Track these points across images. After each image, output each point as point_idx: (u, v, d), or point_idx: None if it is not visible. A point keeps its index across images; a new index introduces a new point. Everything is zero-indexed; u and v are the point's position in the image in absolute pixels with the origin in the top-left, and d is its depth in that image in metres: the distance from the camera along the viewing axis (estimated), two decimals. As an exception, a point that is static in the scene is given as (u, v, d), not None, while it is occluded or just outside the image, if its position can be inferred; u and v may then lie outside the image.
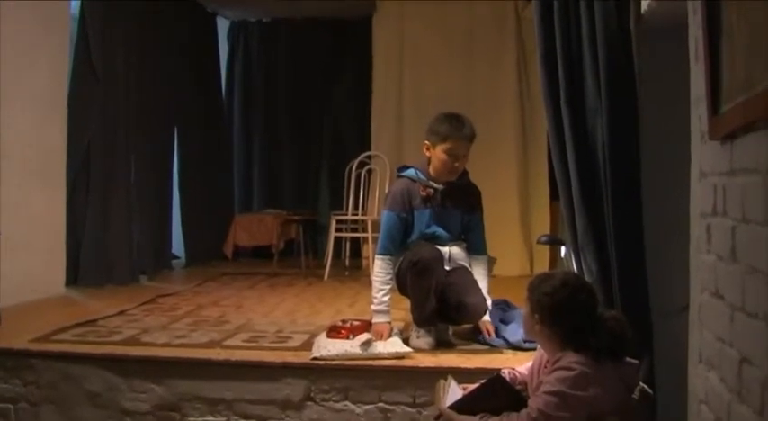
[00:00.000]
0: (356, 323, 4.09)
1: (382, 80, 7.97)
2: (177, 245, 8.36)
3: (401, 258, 4.03)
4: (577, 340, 2.47)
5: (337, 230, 7.31)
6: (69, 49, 6.25)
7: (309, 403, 3.72)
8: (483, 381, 2.70)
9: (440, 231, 4.10)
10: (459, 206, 4.15)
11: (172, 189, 8.13)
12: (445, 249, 4.07)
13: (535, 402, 2.42)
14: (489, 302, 4.11)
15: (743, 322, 1.82)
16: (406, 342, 3.93)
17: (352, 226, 7.61)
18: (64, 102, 6.15)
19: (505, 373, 2.84)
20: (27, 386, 3.92)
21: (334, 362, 3.72)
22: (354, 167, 7.53)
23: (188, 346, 4.08)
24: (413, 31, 7.83)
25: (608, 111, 3.27)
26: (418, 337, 3.99)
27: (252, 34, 9.70)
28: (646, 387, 2.60)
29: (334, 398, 3.71)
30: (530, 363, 2.81)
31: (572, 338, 2.49)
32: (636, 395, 2.51)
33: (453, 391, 2.76)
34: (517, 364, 2.98)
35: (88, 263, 6.38)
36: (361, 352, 3.74)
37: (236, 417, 3.77)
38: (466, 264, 4.14)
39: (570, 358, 2.44)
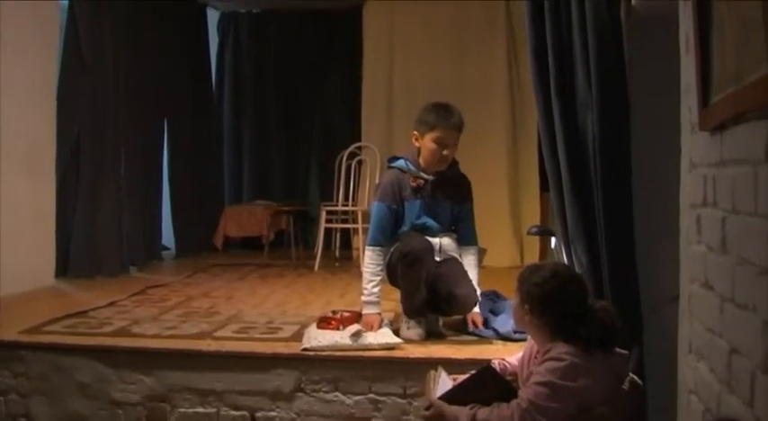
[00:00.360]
0: (346, 314, 4.09)
1: (372, 71, 7.96)
2: (167, 236, 8.36)
3: (392, 249, 4.03)
4: (567, 331, 2.48)
5: (327, 221, 7.30)
6: (58, 40, 6.22)
7: (300, 394, 3.72)
8: (473, 372, 2.70)
9: (430, 222, 4.10)
10: (449, 197, 4.15)
11: (162, 180, 8.11)
12: (436, 240, 4.07)
13: (525, 393, 2.43)
14: (479, 293, 4.11)
15: (732, 313, 1.82)
16: (396, 333, 3.93)
17: (343, 217, 7.62)
18: (53, 93, 6.13)
19: (496, 364, 2.84)
20: (17, 378, 3.92)
21: (324, 353, 3.72)
22: (345, 158, 7.52)
23: (178, 337, 4.08)
24: (403, 21, 7.82)
25: (598, 102, 3.27)
26: (408, 328, 3.99)
27: (242, 25, 9.67)
28: (635, 377, 2.61)
29: (324, 389, 3.71)
30: (520, 354, 2.81)
31: (562, 329, 2.49)
32: (626, 385, 2.52)
33: (444, 382, 2.76)
34: (507, 355, 2.98)
35: (78, 254, 6.37)
36: (351, 343, 3.74)
37: (226, 408, 3.77)
38: (456, 255, 4.14)
39: (560, 349, 2.44)
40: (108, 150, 6.65)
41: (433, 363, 3.17)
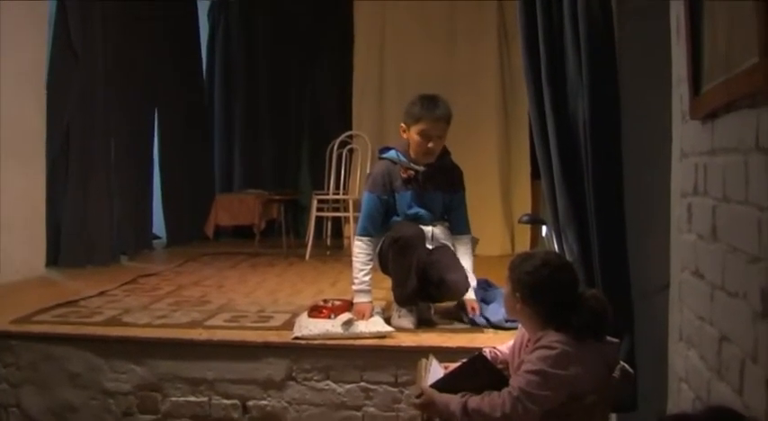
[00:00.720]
0: (337, 303, 4.09)
1: (363, 59, 7.93)
2: (158, 225, 8.33)
3: (383, 237, 4.03)
4: (558, 319, 2.48)
5: (318, 210, 7.29)
6: (48, 30, 6.18)
7: (291, 383, 3.73)
8: (464, 361, 2.70)
9: (422, 212, 4.10)
10: (440, 187, 4.15)
11: (152, 169, 8.07)
12: (428, 229, 4.08)
13: (516, 381, 2.43)
14: (474, 281, 4.12)
15: (723, 301, 1.83)
16: (387, 321, 3.93)
17: (334, 205, 7.62)
18: (43, 82, 6.10)
19: (487, 352, 2.84)
20: (7, 367, 3.91)
21: (315, 342, 3.72)
22: (336, 147, 7.51)
23: (169, 326, 4.07)
24: (394, 9, 7.78)
25: (589, 90, 3.26)
26: (400, 317, 4.00)
27: (232, 13, 9.61)
28: (626, 365, 2.62)
29: (315, 378, 3.71)
30: (511, 342, 2.82)
31: (553, 317, 2.50)
32: (616, 374, 2.53)
33: (435, 371, 2.77)
34: (498, 343, 2.98)
35: (68, 243, 6.36)
36: (342, 331, 3.75)
37: (217, 397, 3.77)
38: (449, 244, 4.15)
39: (551, 337, 2.45)
40: (98, 140, 6.62)
41: (424, 352, 3.16)
